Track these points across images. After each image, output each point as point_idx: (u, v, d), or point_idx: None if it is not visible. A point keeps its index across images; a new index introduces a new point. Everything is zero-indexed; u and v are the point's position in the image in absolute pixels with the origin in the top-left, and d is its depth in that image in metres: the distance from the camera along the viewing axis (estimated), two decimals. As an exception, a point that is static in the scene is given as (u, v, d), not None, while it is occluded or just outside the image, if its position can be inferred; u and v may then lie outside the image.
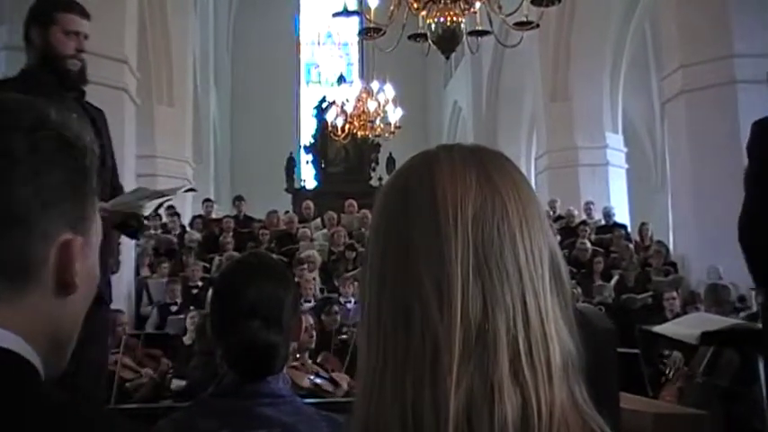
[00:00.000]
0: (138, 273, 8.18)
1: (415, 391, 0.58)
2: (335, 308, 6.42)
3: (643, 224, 10.04)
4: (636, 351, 5.38)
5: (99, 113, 2.75)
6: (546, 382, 0.59)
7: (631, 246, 9.03)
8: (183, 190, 3.09)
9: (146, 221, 2.65)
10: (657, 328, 5.34)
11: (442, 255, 0.60)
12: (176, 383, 5.19)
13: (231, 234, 9.20)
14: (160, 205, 2.74)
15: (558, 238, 8.80)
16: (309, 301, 7.12)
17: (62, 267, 0.63)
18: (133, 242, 7.37)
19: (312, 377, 4.65)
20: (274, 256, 6.56)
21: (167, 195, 2.66)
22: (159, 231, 9.43)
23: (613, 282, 8.16)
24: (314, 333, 5.14)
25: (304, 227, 9.63)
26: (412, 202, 0.63)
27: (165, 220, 9.61)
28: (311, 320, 5.56)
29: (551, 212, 10.44)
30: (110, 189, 2.67)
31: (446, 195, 0.62)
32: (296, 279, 6.80)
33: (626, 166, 11.81)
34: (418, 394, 0.58)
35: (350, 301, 7.48)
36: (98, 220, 0.68)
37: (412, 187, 0.64)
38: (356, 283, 7.73)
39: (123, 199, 2.52)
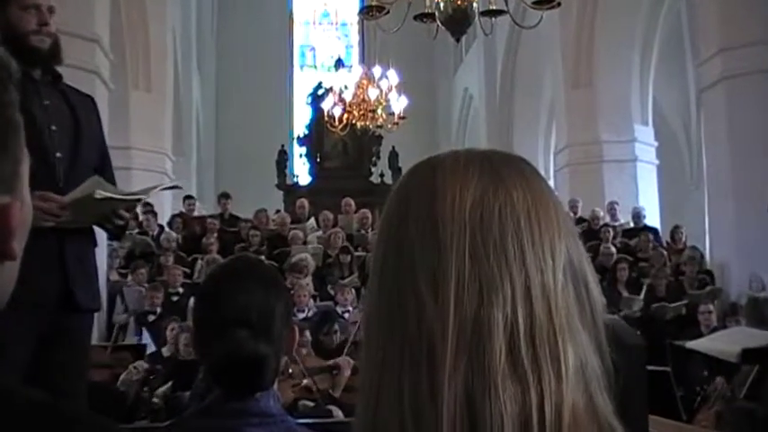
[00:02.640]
0: (108, 277, 8.18)
1: (412, 388, 0.61)
2: (336, 326, 6.42)
3: (676, 227, 10.03)
4: (667, 369, 5.37)
5: (83, 100, 2.74)
6: (553, 380, 0.60)
7: (663, 251, 9.02)
8: (159, 189, 3.03)
9: (119, 222, 2.63)
10: (692, 344, 5.33)
11: (436, 242, 0.63)
12: (160, 392, 5.22)
13: (215, 235, 9.21)
14: (135, 205, 2.74)
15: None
16: (303, 311, 7.12)
17: (3, 236, 0.61)
18: (106, 243, 7.37)
19: (304, 381, 4.65)
20: (264, 259, 6.56)
21: (139, 196, 2.66)
22: (135, 232, 9.44)
23: (642, 293, 8.13)
24: (311, 352, 5.14)
25: (297, 228, 9.66)
26: (412, 200, 0.66)
27: (140, 218, 9.62)
28: (308, 336, 5.56)
29: (572, 214, 10.41)
30: (106, 176, 2.68)
31: (445, 187, 0.65)
32: (288, 286, 6.79)
33: (657, 162, 11.82)
34: (416, 390, 0.61)
35: (348, 311, 7.47)
36: (25, 176, 0.65)
37: (413, 188, 0.68)
38: (354, 291, 7.75)
39: (78, 193, 2.50)
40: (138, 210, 9.26)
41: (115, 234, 2.84)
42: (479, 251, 0.62)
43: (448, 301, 0.61)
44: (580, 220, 10.32)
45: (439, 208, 0.64)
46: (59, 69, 2.65)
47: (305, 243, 9.25)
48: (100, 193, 2.47)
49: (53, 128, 2.56)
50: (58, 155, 2.56)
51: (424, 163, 0.70)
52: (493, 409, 0.59)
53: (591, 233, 9.75)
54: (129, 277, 8.13)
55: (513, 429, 0.59)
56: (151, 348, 6.74)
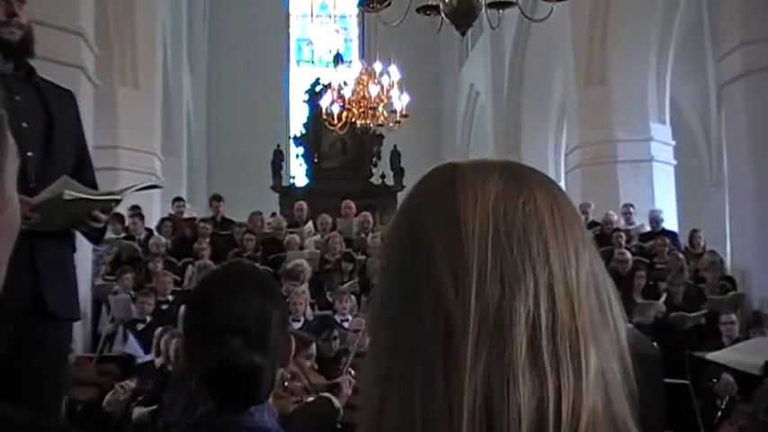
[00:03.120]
0: (93, 284, 8.18)
1: (425, 386, 0.63)
2: (335, 332, 6.39)
3: (694, 231, 9.99)
4: (685, 381, 5.36)
5: (60, 95, 2.73)
6: (572, 377, 0.63)
7: (680, 256, 9.00)
8: (136, 188, 2.91)
9: (95, 224, 2.62)
10: (712, 355, 5.32)
11: (457, 235, 0.65)
12: (139, 412, 5.21)
13: (207, 239, 9.23)
14: (111, 206, 2.69)
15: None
16: (299, 320, 7.14)
17: None
18: (91, 247, 7.38)
19: (308, 399, 4.65)
20: (258, 265, 6.55)
21: (115, 197, 2.62)
22: (121, 236, 9.44)
23: (662, 300, 8.10)
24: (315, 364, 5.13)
25: (293, 232, 9.67)
26: (430, 197, 0.69)
27: (127, 222, 9.62)
28: (314, 350, 5.55)
29: (586, 216, 10.39)
30: (85, 178, 2.66)
31: (465, 182, 0.68)
32: (283, 293, 6.76)
33: (674, 162, 11.80)
34: (429, 388, 0.62)
35: (347, 319, 7.48)
36: (12, 174, 0.65)
37: (430, 187, 0.70)
38: (353, 298, 7.74)
39: (47, 194, 2.48)
40: (125, 213, 9.30)
41: (93, 238, 2.81)
42: (502, 243, 0.65)
43: (470, 292, 0.63)
44: (592, 224, 10.29)
45: (461, 202, 0.66)
46: (37, 63, 2.64)
47: (302, 248, 9.27)
48: (69, 194, 2.45)
49: (24, 125, 2.53)
50: (30, 154, 2.53)
51: (442, 165, 0.72)
52: (510, 402, 0.61)
53: (604, 238, 9.71)
54: (116, 285, 8.14)
55: (530, 424, 0.61)
56: (140, 357, 6.73)
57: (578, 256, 0.67)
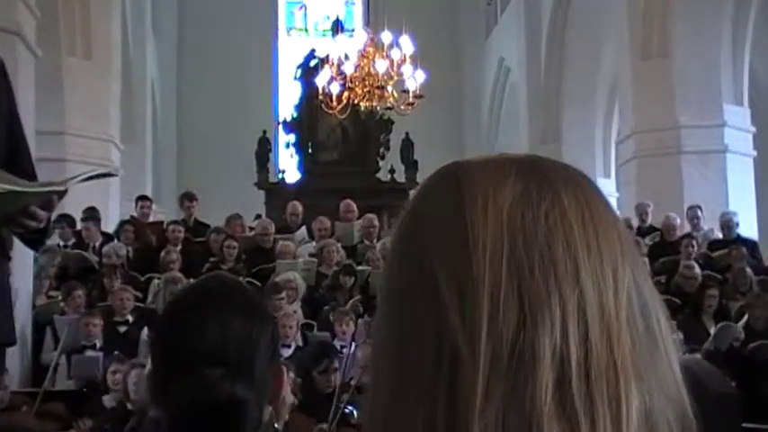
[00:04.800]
0: (34, 303, 8.16)
1: (427, 424, 0.64)
2: (336, 362, 6.41)
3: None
4: (769, 427, 5.30)
5: None
6: (609, 426, 0.63)
7: (748, 270, 8.93)
8: (84, 177, 2.79)
9: (32, 223, 2.55)
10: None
11: (464, 248, 0.66)
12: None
13: (178, 248, 9.22)
14: (53, 200, 2.61)
15: (646, 261, 8.71)
16: (290, 346, 7.19)
17: None
18: (31, 257, 7.36)
19: None
20: (242, 279, 6.53)
21: (57, 188, 2.57)
22: (70, 243, 9.40)
23: (741, 323, 8.02)
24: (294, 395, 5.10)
25: (284, 239, 9.65)
26: (430, 204, 0.70)
27: (78, 226, 9.61)
28: (292, 375, 5.54)
29: (641, 221, 10.35)
30: (25, 175, 2.63)
31: (473, 184, 0.68)
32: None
33: (754, 153, 11.77)
34: (431, 427, 0.63)
35: (347, 346, 7.40)
36: None
37: (432, 191, 0.72)
38: (355, 320, 7.77)
39: None
40: (77, 216, 9.27)
41: (32, 241, 2.77)
42: (520, 260, 0.65)
43: (480, 319, 0.63)
44: (651, 230, 10.36)
45: (467, 208, 0.67)
46: None
47: (294, 258, 9.27)
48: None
49: None
50: None
51: (445, 165, 0.73)
52: None
53: (665, 246, 9.75)
54: (63, 305, 8.12)
55: None
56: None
57: (616, 272, 0.67)
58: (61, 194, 2.61)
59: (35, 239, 2.74)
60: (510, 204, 0.66)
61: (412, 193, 0.76)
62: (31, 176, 2.68)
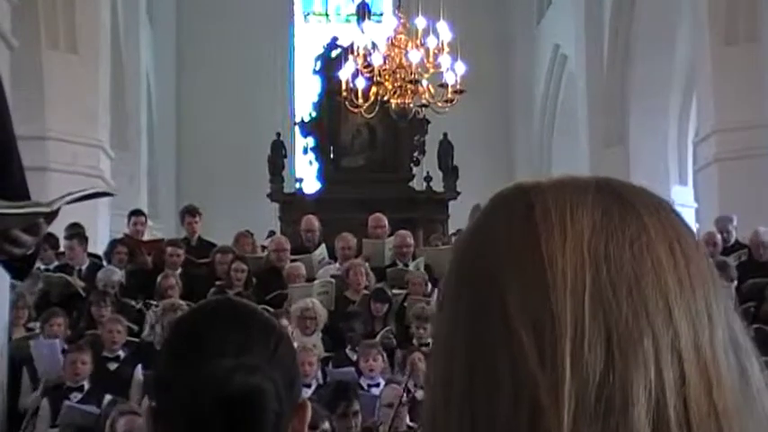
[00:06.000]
0: (10, 337, 8.15)
1: None
2: (356, 404, 6.41)
3: None
4: None
5: None
6: None
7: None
8: (79, 196, 2.79)
9: (16, 249, 2.53)
10: None
11: (541, 283, 0.68)
12: None
13: (178, 271, 9.22)
14: (40, 223, 2.59)
15: (734, 284, 8.57)
16: (309, 386, 7.18)
17: None
18: (7, 283, 7.35)
19: None
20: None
21: (44, 209, 2.53)
22: (51, 266, 9.39)
23: None
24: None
25: (300, 259, 9.63)
26: (498, 230, 0.73)
27: (62, 247, 9.61)
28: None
29: (724, 236, 10.20)
30: (12, 183, 2.62)
31: (547, 207, 0.71)
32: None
33: None
34: None
35: (377, 384, 7.46)
36: None
37: (497, 215, 0.75)
38: (384, 354, 7.81)
39: None
40: (59, 233, 9.28)
41: (15, 269, 2.79)
42: (606, 294, 0.67)
43: (562, 359, 0.66)
44: (737, 246, 10.23)
45: (543, 235, 0.69)
46: None
47: (312, 280, 9.24)
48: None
49: None
50: None
51: (509, 189, 0.76)
52: None
53: (754, 266, 9.69)
54: (41, 335, 8.12)
55: None
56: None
57: (710, 309, 0.69)
58: (49, 216, 2.57)
59: (18, 268, 2.75)
60: (591, 231, 0.69)
61: (463, 201, 0.76)
62: (22, 191, 2.65)
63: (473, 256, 0.73)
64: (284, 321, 7.65)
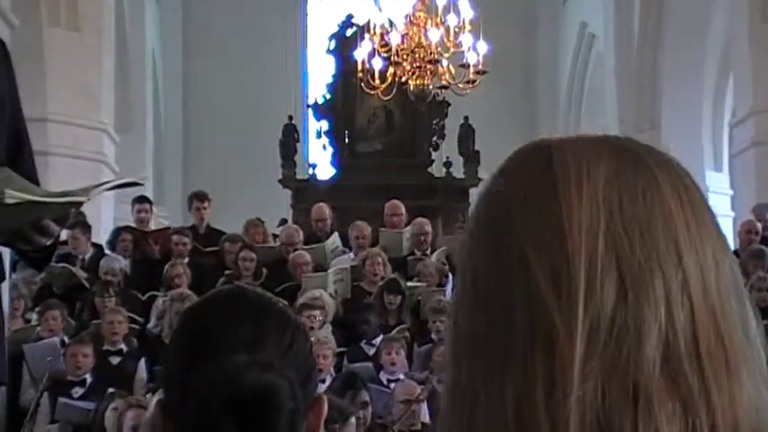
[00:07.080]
0: (7, 328, 8.13)
1: (519, 405, 0.74)
2: (365, 395, 6.50)
3: None
4: None
5: None
6: (726, 399, 0.74)
7: None
8: (109, 187, 3.00)
9: (43, 239, 2.62)
10: None
11: (558, 227, 0.76)
12: None
13: (185, 260, 9.31)
14: (70, 213, 2.77)
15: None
16: (324, 381, 7.21)
17: None
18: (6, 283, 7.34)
19: None
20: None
21: (76, 199, 2.63)
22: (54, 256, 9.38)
23: None
24: None
25: (311, 249, 9.63)
26: (515, 188, 0.81)
27: (64, 236, 9.57)
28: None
29: (759, 228, 10.09)
30: (24, 170, 2.68)
31: (565, 163, 0.79)
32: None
33: None
34: (523, 407, 0.74)
35: (398, 380, 7.54)
36: None
37: (515, 170, 0.83)
38: (405, 347, 7.94)
39: None
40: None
41: (37, 260, 2.91)
42: (619, 236, 0.76)
43: (576, 295, 0.74)
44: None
45: (560, 186, 0.78)
46: None
47: (324, 271, 9.28)
48: (11, 195, 2.47)
49: None
50: None
51: (531, 144, 0.85)
52: (642, 429, 0.72)
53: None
54: (39, 328, 8.14)
55: None
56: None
57: (716, 256, 0.78)
58: (77, 206, 2.76)
59: (41, 258, 2.85)
60: (605, 183, 0.77)
61: (485, 182, 0.85)
62: (33, 179, 2.74)
63: (495, 205, 0.82)
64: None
